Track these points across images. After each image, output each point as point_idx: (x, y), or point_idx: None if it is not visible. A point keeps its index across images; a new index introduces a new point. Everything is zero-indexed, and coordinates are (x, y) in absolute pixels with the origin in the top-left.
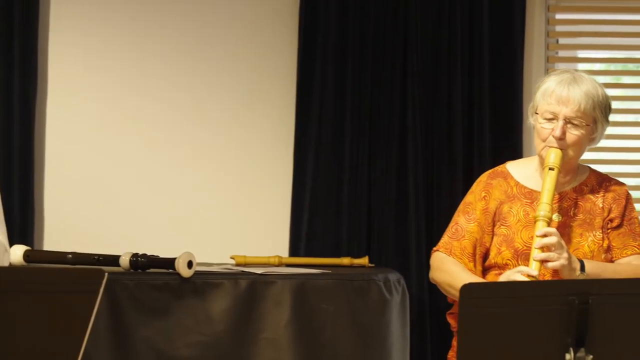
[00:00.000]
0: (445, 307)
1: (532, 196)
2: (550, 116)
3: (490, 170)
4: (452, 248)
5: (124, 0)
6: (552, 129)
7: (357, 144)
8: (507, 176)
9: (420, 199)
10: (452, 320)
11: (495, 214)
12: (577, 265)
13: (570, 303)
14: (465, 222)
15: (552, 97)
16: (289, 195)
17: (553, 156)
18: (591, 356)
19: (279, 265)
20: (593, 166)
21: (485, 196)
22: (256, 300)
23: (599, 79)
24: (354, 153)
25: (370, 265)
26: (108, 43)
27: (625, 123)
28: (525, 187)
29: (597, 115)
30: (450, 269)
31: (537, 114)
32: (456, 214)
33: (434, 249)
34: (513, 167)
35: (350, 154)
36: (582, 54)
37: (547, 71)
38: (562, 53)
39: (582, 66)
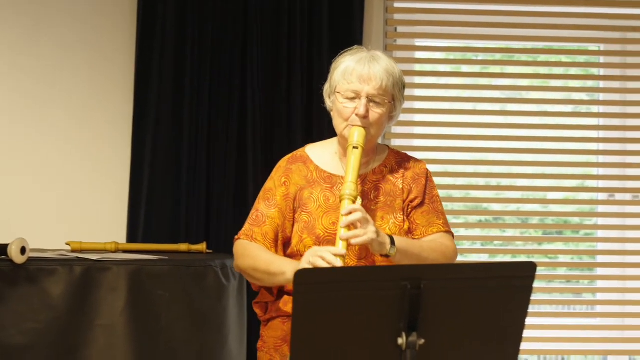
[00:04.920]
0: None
1: (332, 181)
2: (352, 95)
3: (289, 155)
4: (254, 234)
5: None
6: (355, 108)
7: (196, 131)
8: (306, 160)
9: (260, 185)
10: (258, 310)
11: (295, 199)
12: (387, 240)
13: (403, 288)
14: (265, 208)
15: (353, 76)
16: (126, 181)
17: (357, 134)
18: (423, 340)
19: (116, 251)
20: (430, 154)
21: (285, 182)
22: (91, 286)
23: (439, 68)
24: (193, 140)
25: (208, 251)
26: None
27: (464, 111)
28: (325, 172)
29: (396, 93)
30: (253, 253)
31: (338, 92)
32: (257, 201)
33: (236, 237)
34: (312, 151)
35: (188, 141)
36: (420, 42)
37: None
38: (400, 41)
39: (419, 55)
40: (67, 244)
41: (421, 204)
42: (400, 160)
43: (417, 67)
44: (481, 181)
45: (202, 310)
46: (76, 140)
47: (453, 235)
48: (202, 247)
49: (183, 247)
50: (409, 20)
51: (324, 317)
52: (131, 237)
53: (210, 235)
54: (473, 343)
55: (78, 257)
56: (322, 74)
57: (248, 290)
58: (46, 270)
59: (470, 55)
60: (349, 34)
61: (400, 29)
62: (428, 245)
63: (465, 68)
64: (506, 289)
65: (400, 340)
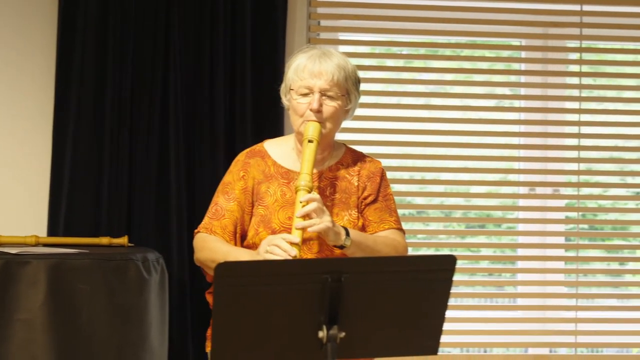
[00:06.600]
0: (206, 286)
1: (289, 176)
2: (306, 91)
3: (248, 149)
4: (213, 227)
5: None
6: (309, 103)
7: (119, 122)
8: (264, 155)
9: (182, 179)
10: (210, 299)
11: (253, 193)
12: (342, 231)
13: (324, 281)
14: (224, 201)
15: (305, 72)
16: (47, 174)
17: (312, 129)
18: (343, 333)
19: (36, 245)
20: (359, 147)
21: (243, 175)
22: (10, 280)
23: (363, 62)
24: (115, 132)
25: (129, 245)
26: None
27: (388, 105)
28: (282, 167)
29: (349, 87)
30: (212, 245)
31: (292, 90)
32: (215, 194)
33: (195, 230)
34: (271, 146)
35: (110, 133)
36: (343, 36)
37: None
38: (323, 35)
39: (343, 48)
40: None
41: (374, 201)
42: (357, 158)
43: None
44: (405, 175)
45: (123, 304)
46: None
47: (404, 232)
48: (123, 240)
49: (104, 240)
50: (332, 13)
51: (244, 310)
52: (52, 230)
53: (131, 228)
54: (393, 336)
55: None
56: (245, 70)
57: (170, 284)
58: None
59: (394, 50)
60: (272, 28)
61: (324, 22)
62: (381, 240)
63: (389, 62)
64: (426, 282)
65: (320, 334)
